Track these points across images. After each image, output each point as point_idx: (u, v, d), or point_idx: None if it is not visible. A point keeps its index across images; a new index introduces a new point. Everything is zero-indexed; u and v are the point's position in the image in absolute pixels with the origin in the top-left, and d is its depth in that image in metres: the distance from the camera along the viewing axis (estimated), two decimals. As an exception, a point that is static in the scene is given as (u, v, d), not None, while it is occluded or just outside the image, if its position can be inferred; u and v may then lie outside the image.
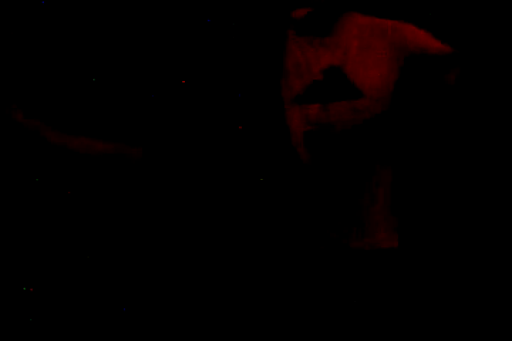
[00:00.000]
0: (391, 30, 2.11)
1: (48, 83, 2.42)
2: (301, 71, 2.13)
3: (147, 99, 2.43)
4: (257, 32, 2.29)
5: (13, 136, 2.34)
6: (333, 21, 2.12)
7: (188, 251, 2.33)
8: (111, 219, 2.38)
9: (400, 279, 2.13)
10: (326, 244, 2.09)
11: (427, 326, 2.49)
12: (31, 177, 2.36)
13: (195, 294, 2.31)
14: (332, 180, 2.09)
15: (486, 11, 2.50)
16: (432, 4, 2.52)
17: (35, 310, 2.30)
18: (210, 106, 2.31)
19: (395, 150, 2.16)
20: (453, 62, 2.11)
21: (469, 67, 2.13)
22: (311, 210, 2.10)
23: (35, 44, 2.41)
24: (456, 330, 2.49)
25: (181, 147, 2.33)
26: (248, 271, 2.14)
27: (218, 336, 2.24)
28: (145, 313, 2.32)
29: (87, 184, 2.38)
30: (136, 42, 2.44)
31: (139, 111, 2.43)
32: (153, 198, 2.38)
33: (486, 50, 2.45)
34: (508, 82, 2.43)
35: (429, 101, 2.12)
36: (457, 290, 2.51)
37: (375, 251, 2.09)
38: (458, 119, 2.21)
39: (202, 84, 2.33)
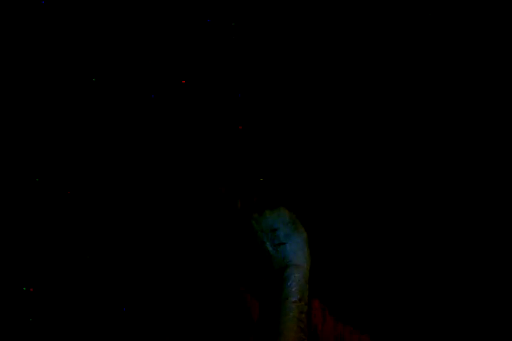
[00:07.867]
0: None
1: (48, 83, 2.43)
2: None
3: (147, 99, 2.43)
4: (257, 32, 2.29)
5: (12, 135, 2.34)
6: None
7: (187, 251, 2.33)
8: (111, 219, 2.38)
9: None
10: None
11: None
12: (31, 177, 2.37)
13: (195, 294, 2.31)
14: None
15: (485, 11, 2.51)
16: (432, 4, 2.52)
17: (35, 310, 2.30)
18: (210, 106, 2.31)
19: None
20: None
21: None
22: None
23: (35, 44, 2.41)
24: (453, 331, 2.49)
25: (181, 147, 2.33)
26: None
27: (217, 335, 2.24)
28: (145, 313, 2.32)
29: (87, 184, 2.39)
30: (136, 42, 2.45)
31: (139, 111, 2.43)
32: (152, 198, 2.38)
33: (486, 50, 2.45)
34: (508, 83, 2.44)
35: None
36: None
37: None
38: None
39: (202, 84, 2.33)
